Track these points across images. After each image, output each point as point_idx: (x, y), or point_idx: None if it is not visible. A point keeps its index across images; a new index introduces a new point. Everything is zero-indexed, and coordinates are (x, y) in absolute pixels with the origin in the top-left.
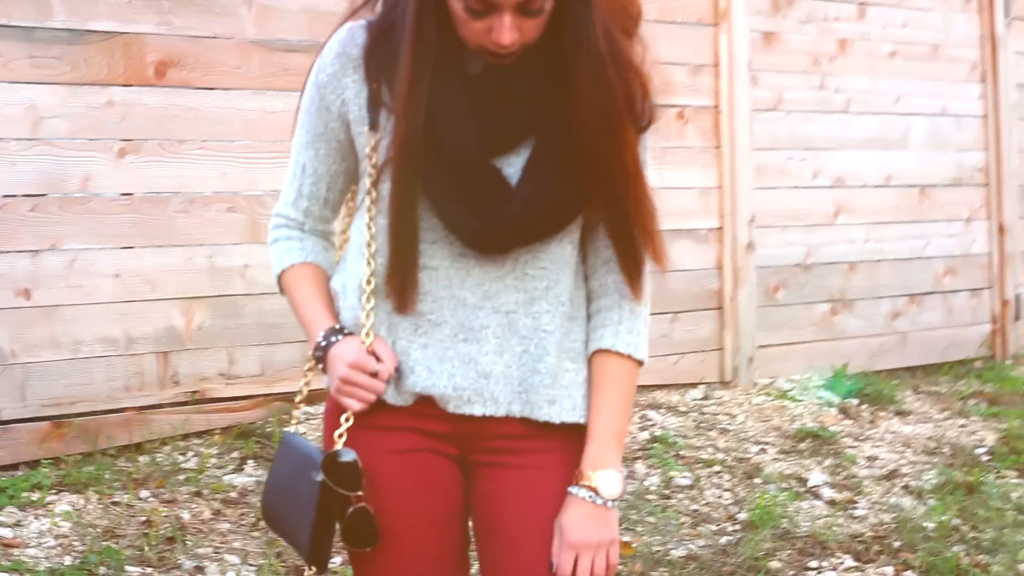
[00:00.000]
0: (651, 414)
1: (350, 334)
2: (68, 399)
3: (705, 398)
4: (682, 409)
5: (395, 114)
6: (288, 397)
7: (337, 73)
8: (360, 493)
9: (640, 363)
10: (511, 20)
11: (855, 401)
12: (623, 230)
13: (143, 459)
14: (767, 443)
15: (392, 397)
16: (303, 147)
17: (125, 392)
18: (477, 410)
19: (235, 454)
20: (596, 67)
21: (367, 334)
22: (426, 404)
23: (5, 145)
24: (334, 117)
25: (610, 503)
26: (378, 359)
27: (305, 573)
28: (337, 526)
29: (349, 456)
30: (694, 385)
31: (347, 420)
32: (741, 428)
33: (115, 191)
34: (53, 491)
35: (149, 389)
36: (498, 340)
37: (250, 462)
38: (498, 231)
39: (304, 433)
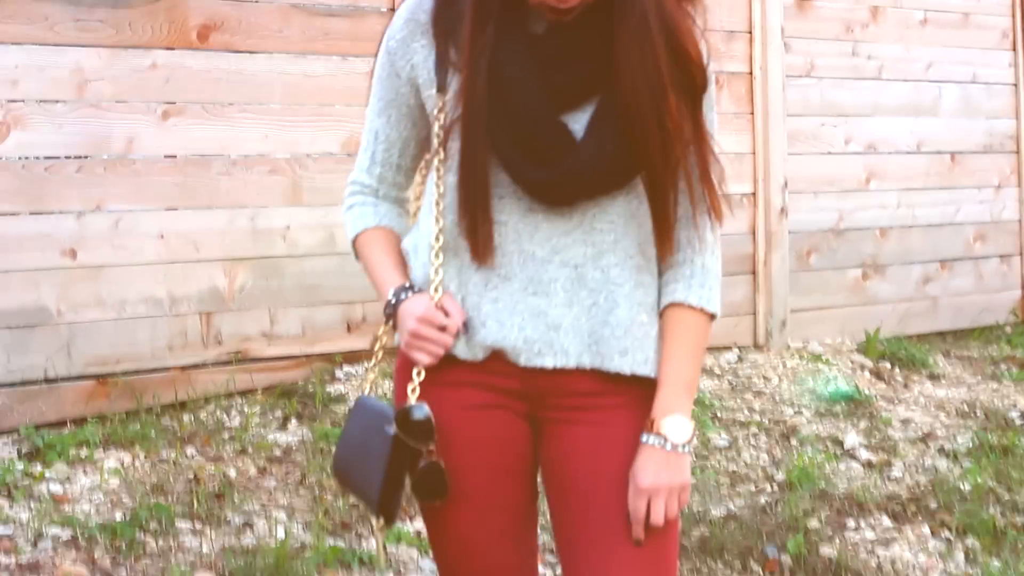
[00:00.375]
0: None
1: (419, 291)
2: (113, 358)
3: (739, 361)
4: (717, 372)
5: (461, 70)
6: (328, 357)
7: (406, 39)
8: (432, 447)
9: (712, 316)
10: None
11: (888, 365)
12: (676, 189)
13: (187, 417)
14: (802, 405)
15: (463, 351)
16: (376, 114)
17: (169, 351)
18: (548, 362)
19: (277, 413)
20: (639, 26)
21: (435, 289)
22: (496, 360)
23: (51, 107)
24: (404, 83)
25: (680, 448)
26: (446, 314)
27: (374, 524)
28: (408, 480)
29: (422, 410)
30: (728, 348)
31: (419, 374)
32: (776, 391)
33: (159, 153)
34: (100, 448)
35: (193, 348)
36: (567, 293)
37: (292, 421)
38: (564, 183)
39: (346, 393)
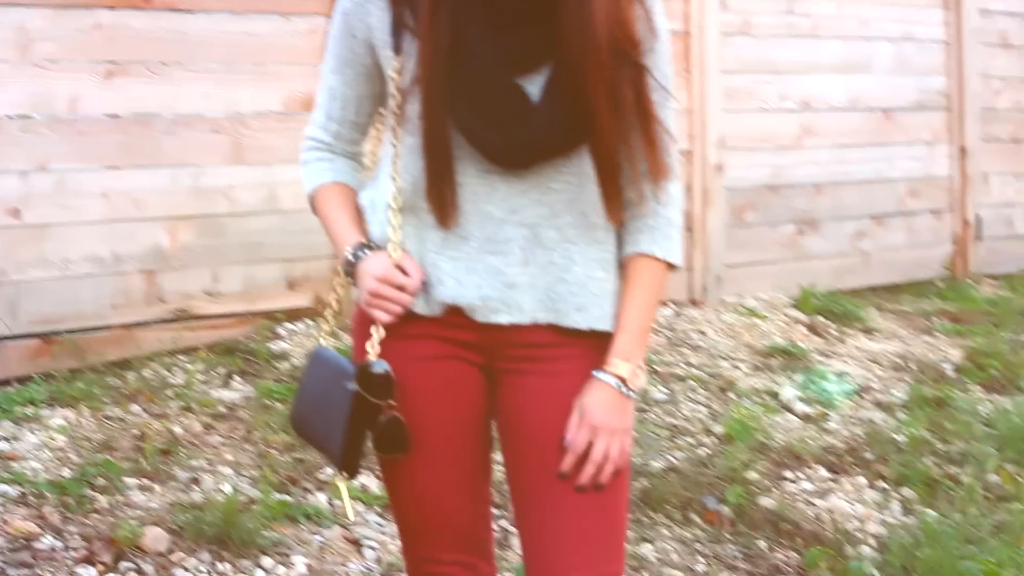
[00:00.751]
0: None
1: (378, 248)
2: (57, 316)
3: (676, 316)
4: (654, 326)
5: (419, 34)
6: (270, 315)
7: (362, 1)
8: (392, 402)
9: (672, 267)
10: None
11: (822, 319)
12: (630, 149)
13: (131, 375)
14: (739, 359)
15: (421, 307)
16: (331, 72)
17: (112, 310)
18: (504, 318)
19: (221, 370)
20: None
21: (394, 249)
22: (454, 314)
23: None
24: (360, 43)
25: (632, 394)
26: (405, 273)
27: (337, 479)
28: (368, 435)
29: (382, 366)
30: (664, 304)
31: (377, 331)
32: (713, 345)
33: (102, 112)
34: (46, 406)
35: (136, 306)
36: (523, 252)
37: (236, 378)
38: (521, 146)
39: (289, 350)
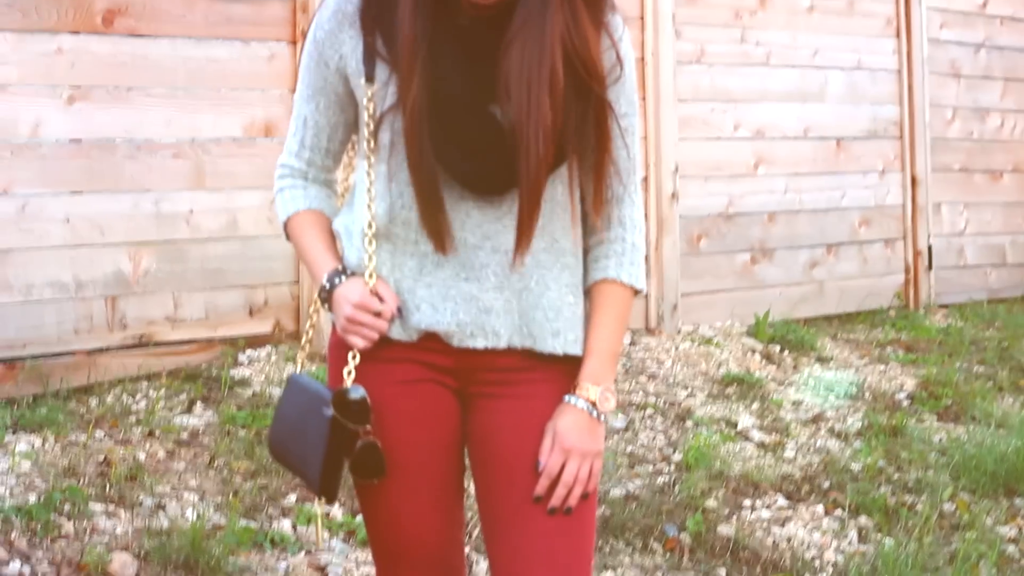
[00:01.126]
0: None
1: (353, 275)
2: (20, 342)
3: (633, 344)
4: None
5: (400, 65)
6: (231, 341)
7: (334, 30)
8: (369, 427)
9: (638, 292)
10: None
11: (777, 348)
12: (602, 175)
13: (93, 401)
14: (696, 387)
15: (397, 333)
16: (304, 101)
17: (75, 335)
18: (479, 343)
19: (183, 396)
20: (536, 29)
21: (370, 275)
22: (430, 339)
23: None
24: (332, 72)
25: (602, 417)
26: (381, 299)
27: (316, 504)
28: (346, 460)
29: (358, 392)
30: None
31: (354, 357)
32: (669, 373)
33: (65, 137)
34: (10, 431)
35: (98, 332)
36: (498, 278)
37: (198, 404)
38: (495, 173)
39: (250, 377)
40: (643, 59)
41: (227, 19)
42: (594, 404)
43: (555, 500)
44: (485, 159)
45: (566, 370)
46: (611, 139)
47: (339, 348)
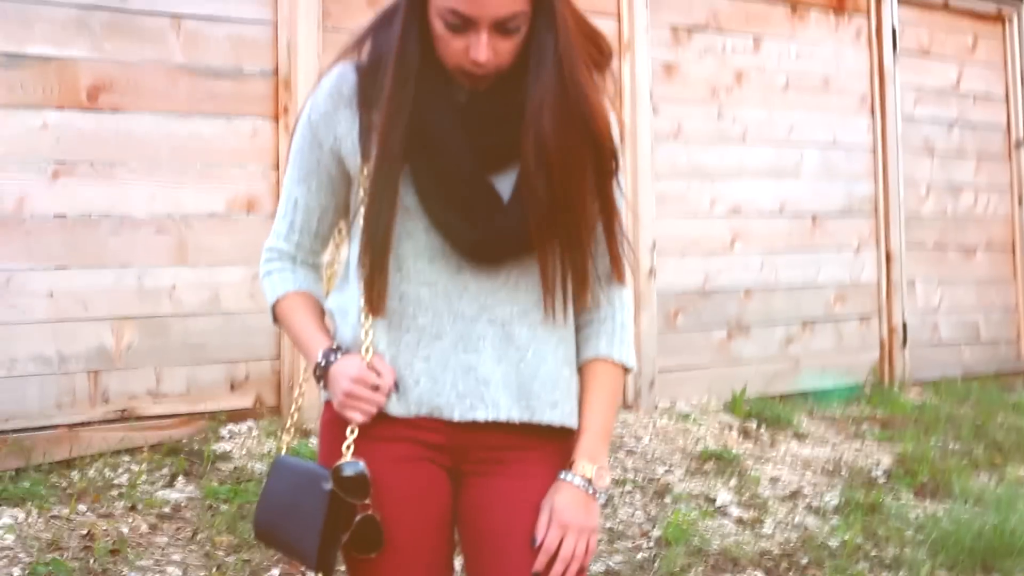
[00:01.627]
0: None
1: (347, 352)
2: (3, 415)
3: None
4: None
5: (379, 122)
6: (213, 415)
7: (330, 111)
8: (368, 501)
9: (628, 371)
10: (487, 38)
11: (754, 424)
12: (595, 253)
13: (76, 474)
14: (674, 463)
15: (395, 408)
16: (295, 183)
17: (57, 409)
18: (480, 415)
19: (164, 470)
20: (550, 94)
21: (366, 350)
22: (425, 417)
23: None
24: (326, 153)
25: (598, 494)
26: (378, 374)
27: None
28: (343, 535)
29: (357, 466)
30: None
31: (352, 432)
32: (647, 449)
33: (49, 212)
34: None
35: (80, 406)
36: (495, 350)
37: (180, 478)
38: (494, 241)
39: (231, 451)
40: (621, 136)
41: (210, 95)
42: (590, 481)
43: (542, 565)
44: (485, 226)
45: (559, 448)
46: (617, 213)
47: (333, 425)
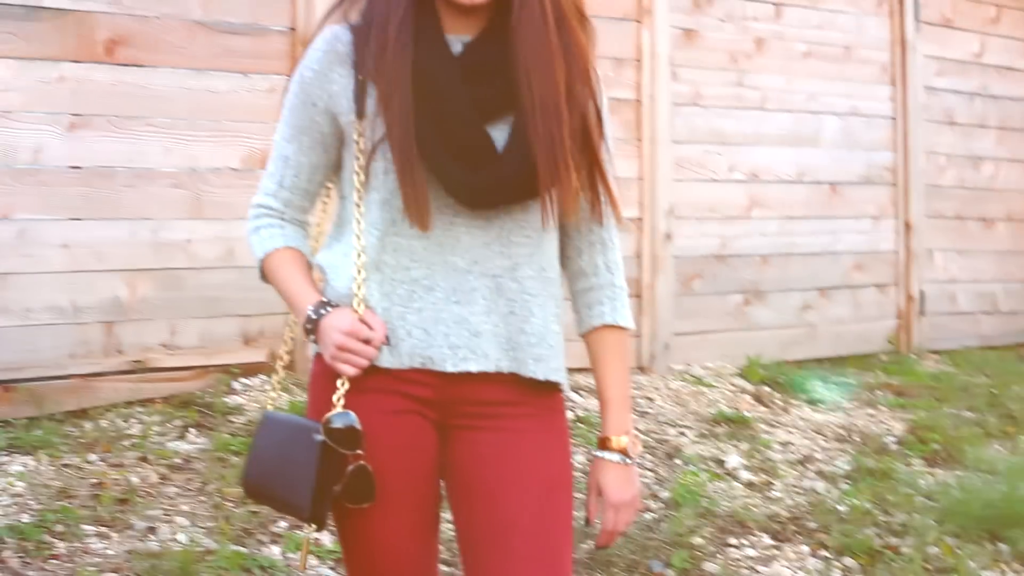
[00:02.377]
0: (573, 396)
1: (337, 306)
2: (16, 364)
3: None
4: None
5: (378, 85)
6: (226, 369)
7: (324, 69)
8: (360, 452)
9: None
10: None
11: (768, 389)
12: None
13: (88, 424)
14: (685, 426)
15: (387, 361)
16: (286, 140)
17: (71, 359)
18: (472, 366)
19: (177, 422)
20: (538, 49)
21: (359, 304)
22: (414, 370)
23: None
24: (320, 111)
25: (634, 462)
26: (370, 327)
27: (305, 531)
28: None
29: (348, 418)
30: None
31: (343, 385)
32: (660, 411)
33: (65, 164)
34: (5, 453)
35: (94, 357)
36: (487, 301)
37: (191, 430)
38: (489, 187)
39: (244, 404)
40: (639, 100)
41: (228, 51)
42: (625, 452)
43: (600, 543)
44: (480, 173)
45: (547, 404)
46: (604, 169)
47: (323, 378)
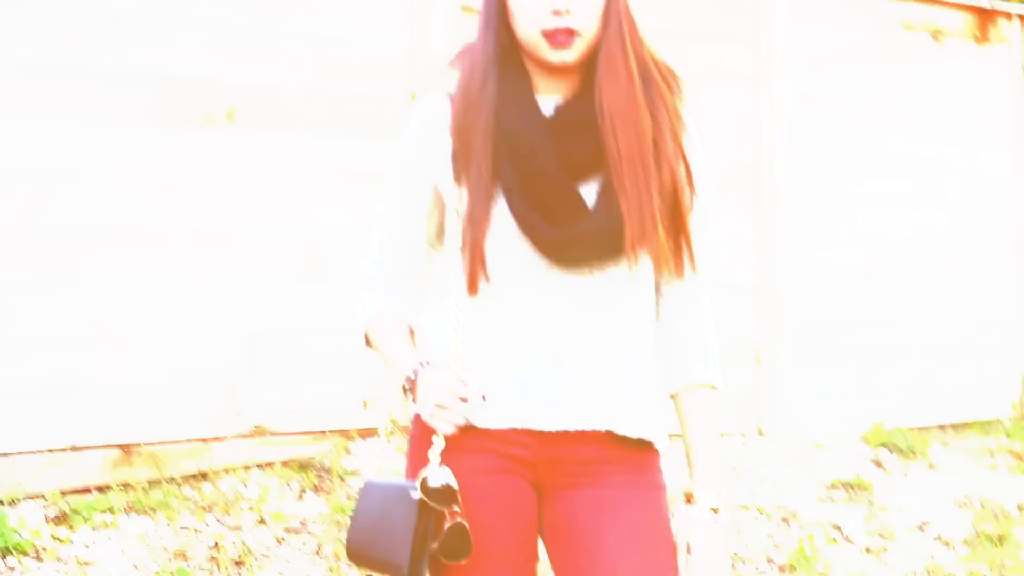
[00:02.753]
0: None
1: (436, 365)
2: (137, 427)
3: (743, 446)
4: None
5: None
6: (344, 432)
7: (423, 136)
8: (456, 509)
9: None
10: None
11: (888, 453)
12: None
13: (207, 487)
14: (803, 491)
15: (483, 420)
16: (389, 209)
17: (191, 422)
18: (569, 424)
19: (294, 485)
20: (623, 94)
21: (456, 363)
22: (512, 429)
23: (81, 181)
24: (420, 178)
25: (724, 519)
26: (465, 385)
27: None
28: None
29: (444, 475)
30: (730, 434)
31: (439, 441)
32: (778, 476)
33: (186, 228)
34: (124, 514)
35: (214, 420)
36: (582, 360)
37: (309, 493)
38: (578, 243)
39: (360, 468)
40: (759, 164)
41: (347, 116)
42: (715, 511)
43: None
44: (572, 230)
45: (642, 461)
46: (689, 227)
47: (421, 438)
